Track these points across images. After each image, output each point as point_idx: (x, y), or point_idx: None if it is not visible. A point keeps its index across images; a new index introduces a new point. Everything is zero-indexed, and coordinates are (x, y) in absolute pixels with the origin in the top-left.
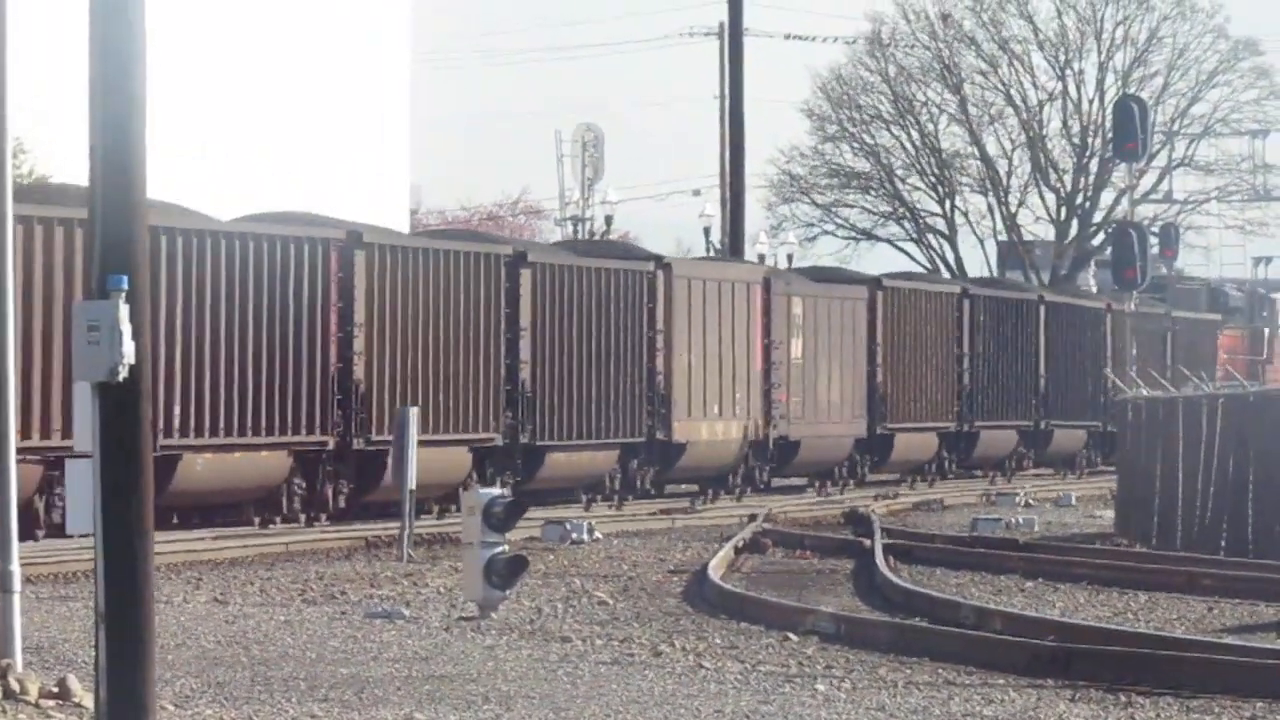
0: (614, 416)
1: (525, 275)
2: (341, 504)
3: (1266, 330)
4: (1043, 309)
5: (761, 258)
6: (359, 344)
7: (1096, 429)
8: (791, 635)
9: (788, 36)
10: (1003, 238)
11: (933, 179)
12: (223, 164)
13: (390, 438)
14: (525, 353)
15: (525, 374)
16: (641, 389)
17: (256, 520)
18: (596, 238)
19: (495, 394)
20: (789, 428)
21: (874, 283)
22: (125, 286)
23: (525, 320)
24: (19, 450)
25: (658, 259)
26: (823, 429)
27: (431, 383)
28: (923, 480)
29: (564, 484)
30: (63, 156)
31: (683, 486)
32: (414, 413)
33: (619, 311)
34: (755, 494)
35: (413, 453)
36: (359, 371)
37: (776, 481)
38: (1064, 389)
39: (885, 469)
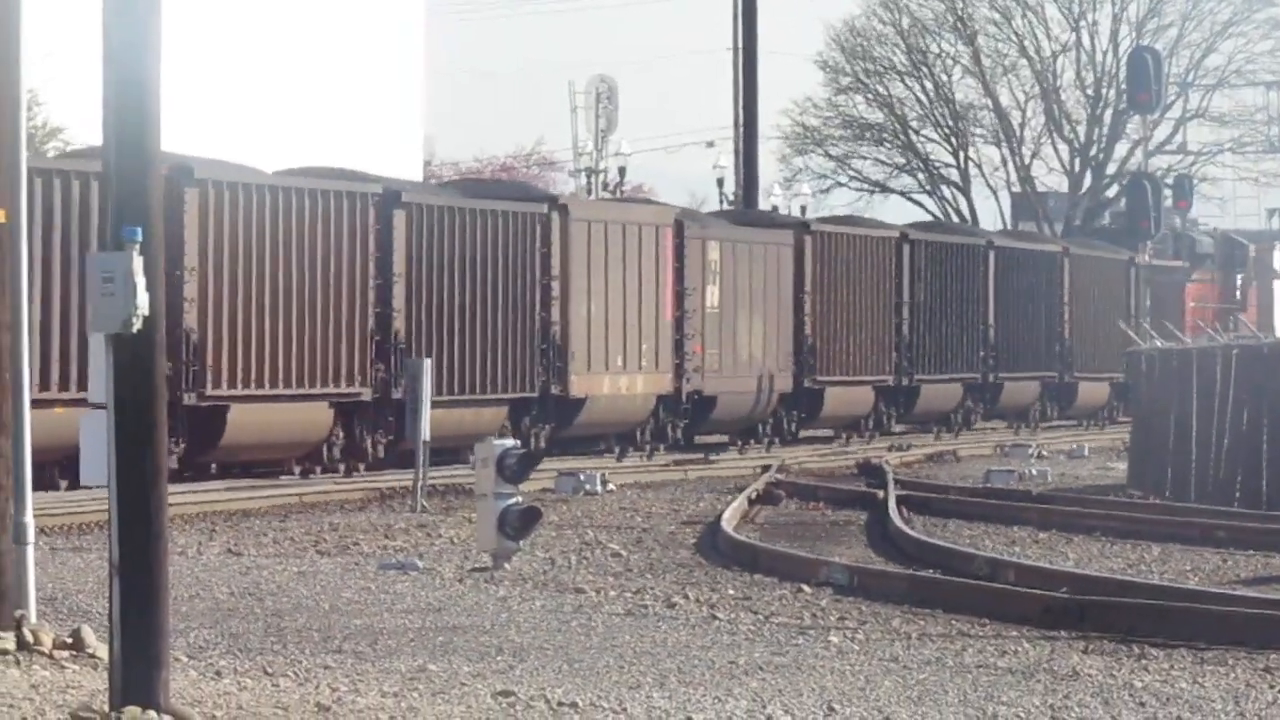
0: (502, 370)
1: (399, 217)
2: (174, 464)
3: (1239, 277)
4: (992, 254)
5: (775, 209)
6: (190, 289)
7: (1052, 380)
8: (805, 587)
9: None
10: (1016, 189)
11: (946, 130)
12: (236, 116)
13: (228, 392)
14: (399, 301)
15: (399, 324)
16: (534, 341)
17: (64, 484)
18: (610, 189)
19: (363, 345)
20: (704, 381)
21: (801, 227)
22: (139, 238)
23: (399, 266)
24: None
25: (553, 200)
26: (743, 383)
27: (282, 332)
28: (859, 436)
29: (444, 443)
30: (78, 111)
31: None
32: (427, 364)
33: (508, 256)
34: (669, 451)
35: (427, 405)
36: (190, 320)
37: (697, 439)
38: (1016, 339)
39: (815, 425)
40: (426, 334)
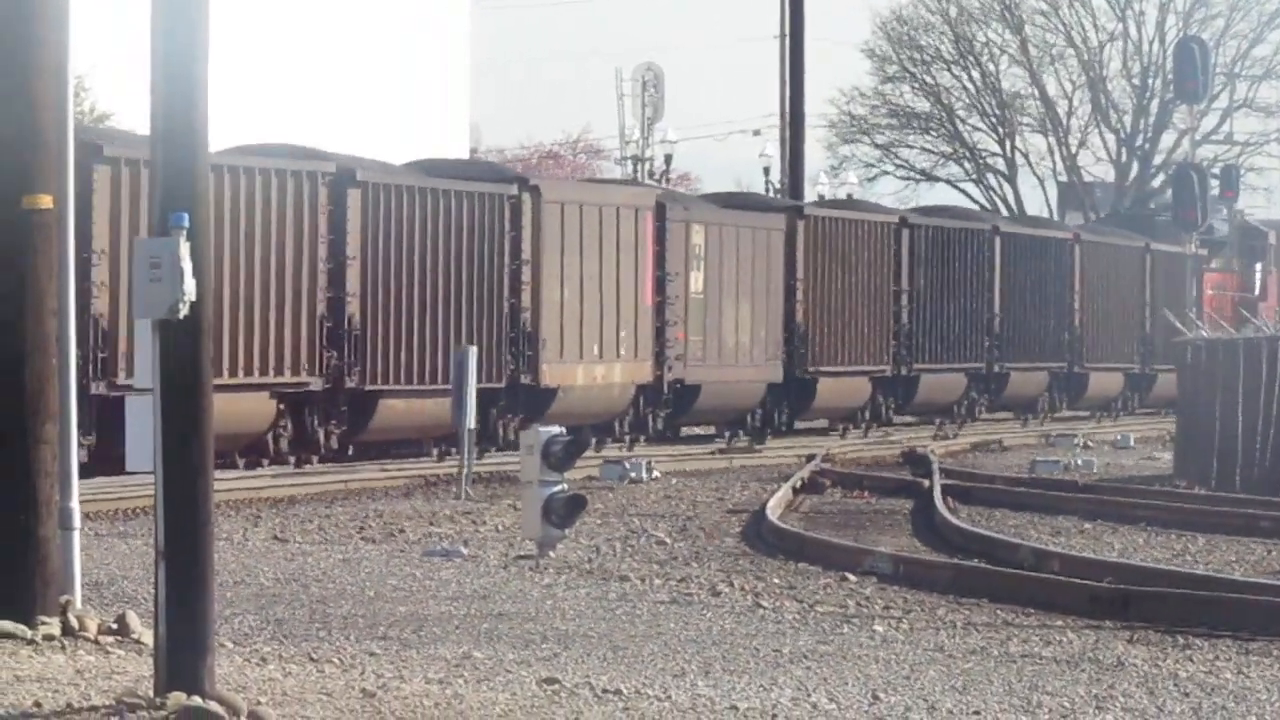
0: None
1: (353, 196)
2: (85, 458)
3: (1259, 265)
4: (998, 240)
5: (821, 197)
6: (100, 273)
7: (1061, 370)
8: (849, 575)
9: None
10: (1063, 178)
11: (993, 119)
12: (278, 103)
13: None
14: (353, 284)
15: (353, 308)
16: (503, 328)
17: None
18: (656, 177)
19: (311, 330)
20: (686, 370)
21: (794, 210)
22: (186, 224)
23: (353, 247)
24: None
25: (523, 180)
26: (729, 372)
27: (213, 318)
28: (855, 428)
29: (404, 435)
30: (125, 100)
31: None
32: (472, 352)
33: (474, 239)
34: (650, 443)
35: (472, 392)
36: (101, 305)
37: (683, 431)
38: (1023, 328)
39: (808, 416)
40: (384, 320)
